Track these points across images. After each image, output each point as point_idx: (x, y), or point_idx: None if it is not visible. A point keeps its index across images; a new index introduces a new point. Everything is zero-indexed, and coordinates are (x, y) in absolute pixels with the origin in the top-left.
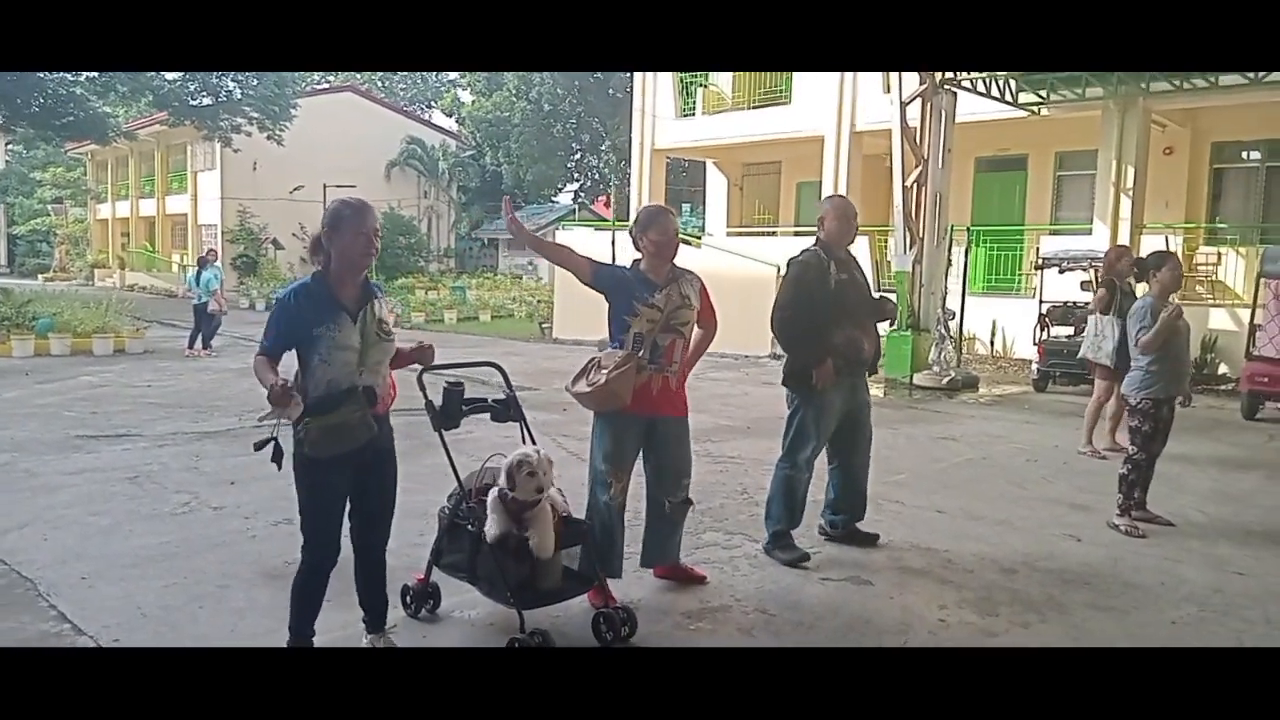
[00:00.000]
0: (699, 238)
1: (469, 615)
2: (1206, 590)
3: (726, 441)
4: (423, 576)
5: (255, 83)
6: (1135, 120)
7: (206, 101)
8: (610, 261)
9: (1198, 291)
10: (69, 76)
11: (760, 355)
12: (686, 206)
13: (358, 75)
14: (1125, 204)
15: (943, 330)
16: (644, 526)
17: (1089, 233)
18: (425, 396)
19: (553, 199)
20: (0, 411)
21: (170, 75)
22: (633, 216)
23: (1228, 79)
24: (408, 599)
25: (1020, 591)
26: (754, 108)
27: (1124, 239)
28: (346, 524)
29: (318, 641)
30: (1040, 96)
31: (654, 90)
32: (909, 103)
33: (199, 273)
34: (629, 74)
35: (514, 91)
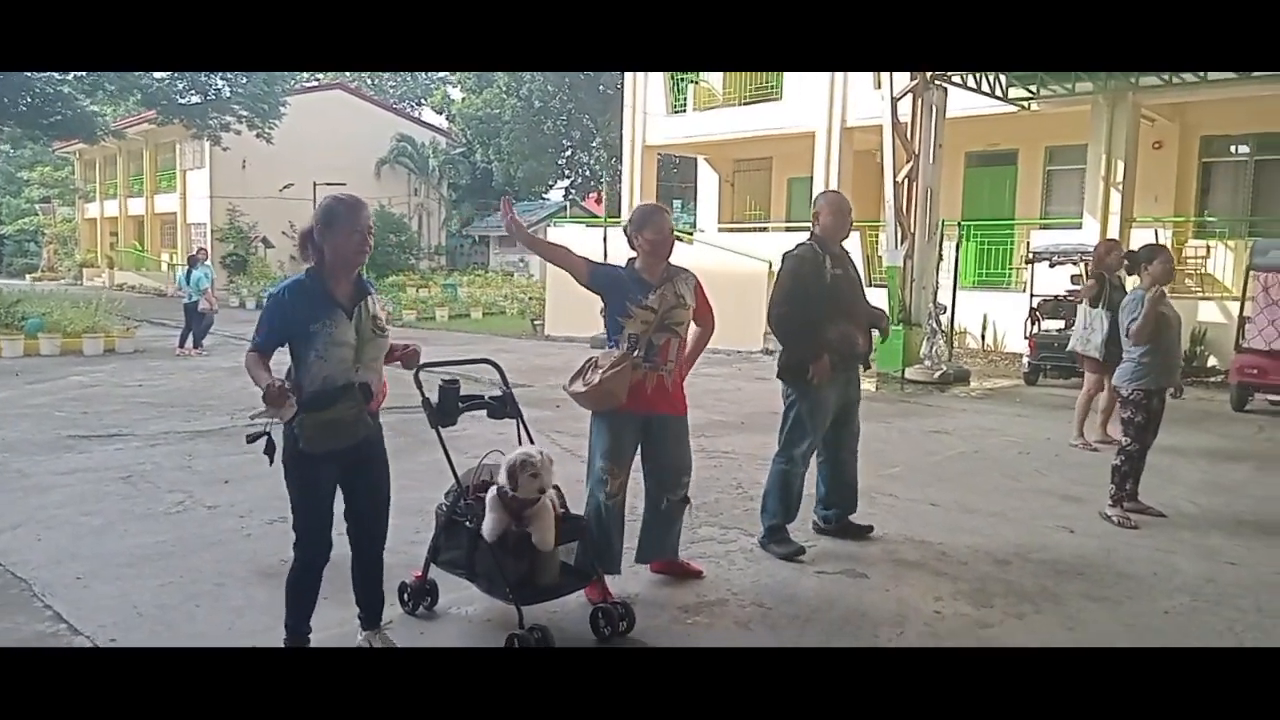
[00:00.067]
0: (690, 234)
1: (467, 611)
2: (1199, 580)
3: (721, 437)
4: (420, 573)
5: (244, 80)
6: (1124, 115)
7: (195, 99)
8: (604, 259)
9: (1187, 285)
10: (56, 75)
11: (753, 350)
12: (678, 203)
13: (348, 73)
14: (1115, 198)
15: (934, 324)
16: (641, 523)
17: (1079, 227)
18: (422, 394)
19: (543, 196)
20: None
21: (159, 74)
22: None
23: (1216, 74)
24: (405, 596)
25: (1014, 583)
26: (745, 104)
27: (1114, 233)
28: (343, 522)
29: (315, 638)
30: (1030, 91)
31: (645, 87)
32: (900, 98)
33: (189, 271)
34: (620, 71)
35: (504, 88)
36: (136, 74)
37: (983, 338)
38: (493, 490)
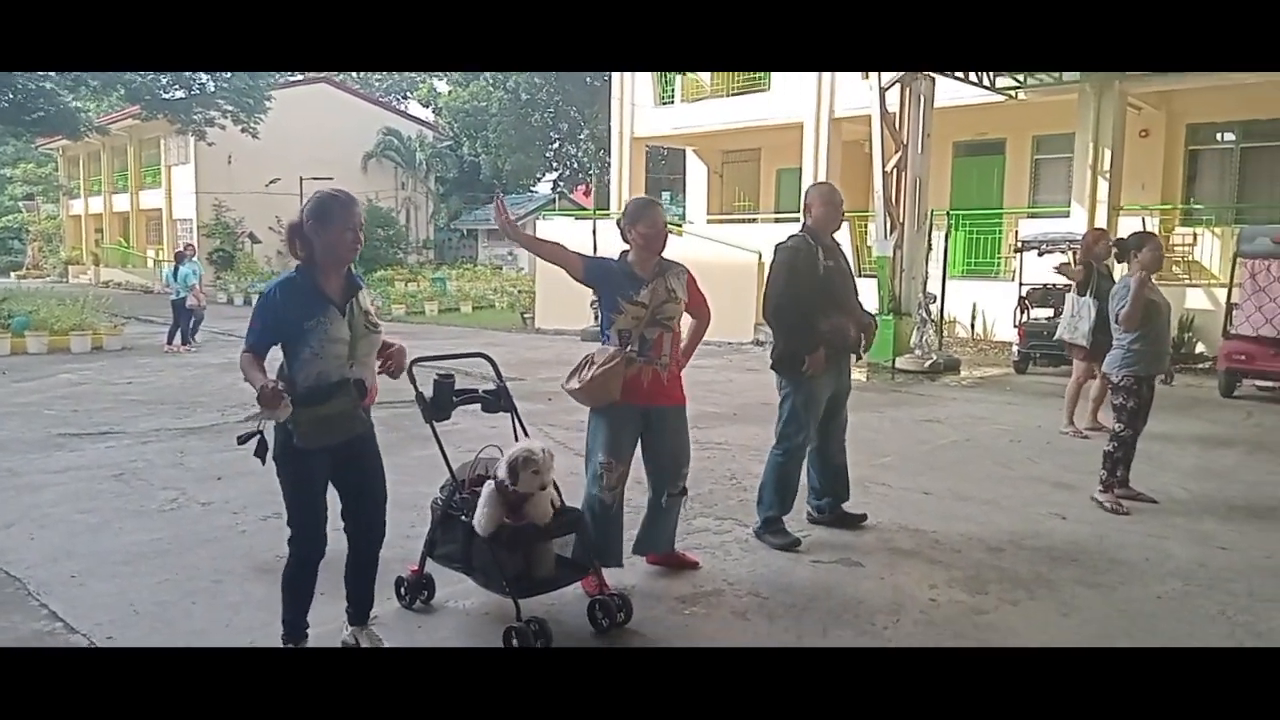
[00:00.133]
0: (679, 225)
1: (464, 605)
2: (1191, 565)
3: (714, 428)
4: (417, 568)
5: (229, 75)
6: (1111, 103)
7: (179, 94)
8: (594, 252)
9: (1174, 272)
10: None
11: (744, 342)
12: (666, 194)
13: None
14: (1102, 186)
15: (924, 314)
16: (641, 516)
17: (1067, 215)
18: (416, 388)
19: (531, 189)
20: None
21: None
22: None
23: None
24: (402, 590)
25: (1008, 570)
26: (733, 95)
27: (1101, 221)
28: (340, 520)
29: (312, 633)
30: (1017, 81)
31: (632, 78)
32: (888, 89)
33: (176, 268)
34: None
35: (490, 81)
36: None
37: (972, 327)
38: (489, 484)
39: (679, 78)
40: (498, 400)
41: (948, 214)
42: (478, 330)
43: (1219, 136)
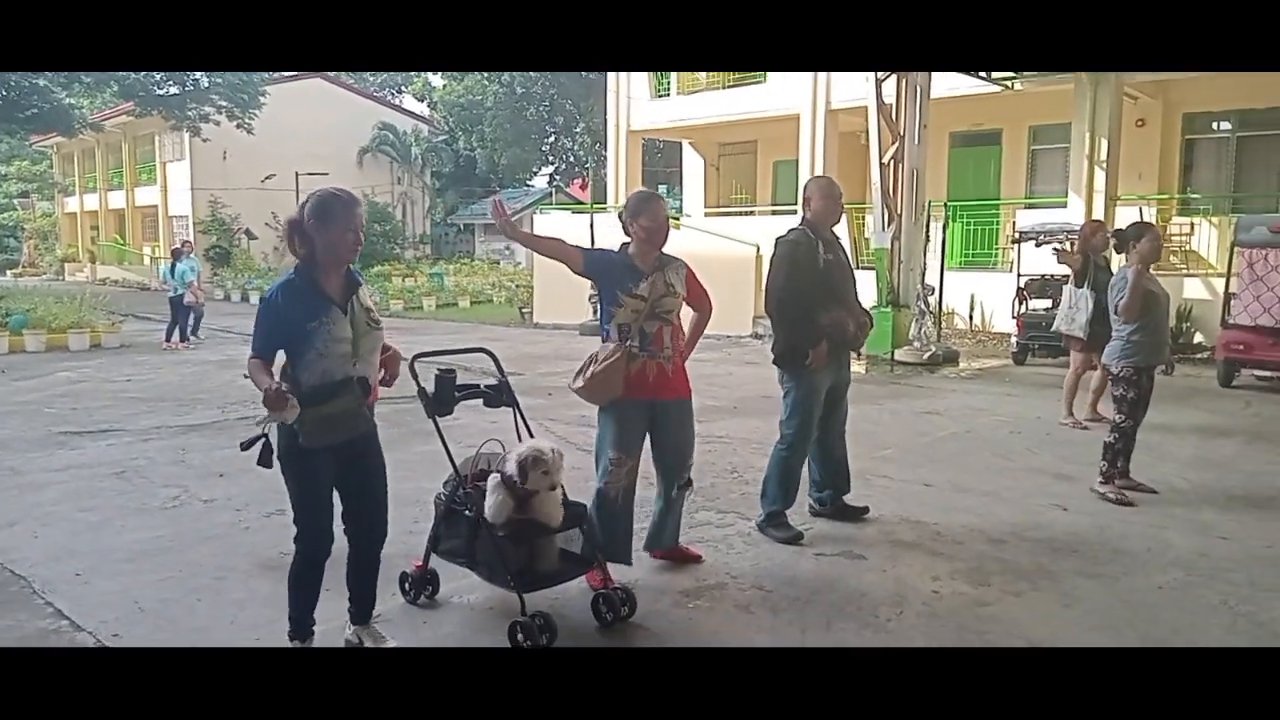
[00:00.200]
0: (677, 219)
1: (468, 600)
2: (1192, 555)
3: (714, 421)
4: (421, 563)
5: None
6: (1107, 93)
7: (173, 90)
8: (598, 248)
9: (1172, 262)
10: None
11: (742, 335)
12: (663, 187)
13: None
14: (1099, 176)
15: (922, 306)
16: (646, 513)
17: (1064, 206)
18: (418, 384)
19: (528, 183)
20: None
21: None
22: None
23: None
24: (407, 585)
25: (1010, 561)
26: (729, 87)
27: (1098, 211)
28: (343, 521)
29: (318, 630)
30: (1013, 71)
31: (629, 72)
32: (884, 80)
33: (173, 265)
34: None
35: (485, 75)
36: None
37: (970, 318)
38: (494, 476)
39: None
40: (500, 395)
41: (945, 205)
42: (476, 325)
43: (1215, 125)
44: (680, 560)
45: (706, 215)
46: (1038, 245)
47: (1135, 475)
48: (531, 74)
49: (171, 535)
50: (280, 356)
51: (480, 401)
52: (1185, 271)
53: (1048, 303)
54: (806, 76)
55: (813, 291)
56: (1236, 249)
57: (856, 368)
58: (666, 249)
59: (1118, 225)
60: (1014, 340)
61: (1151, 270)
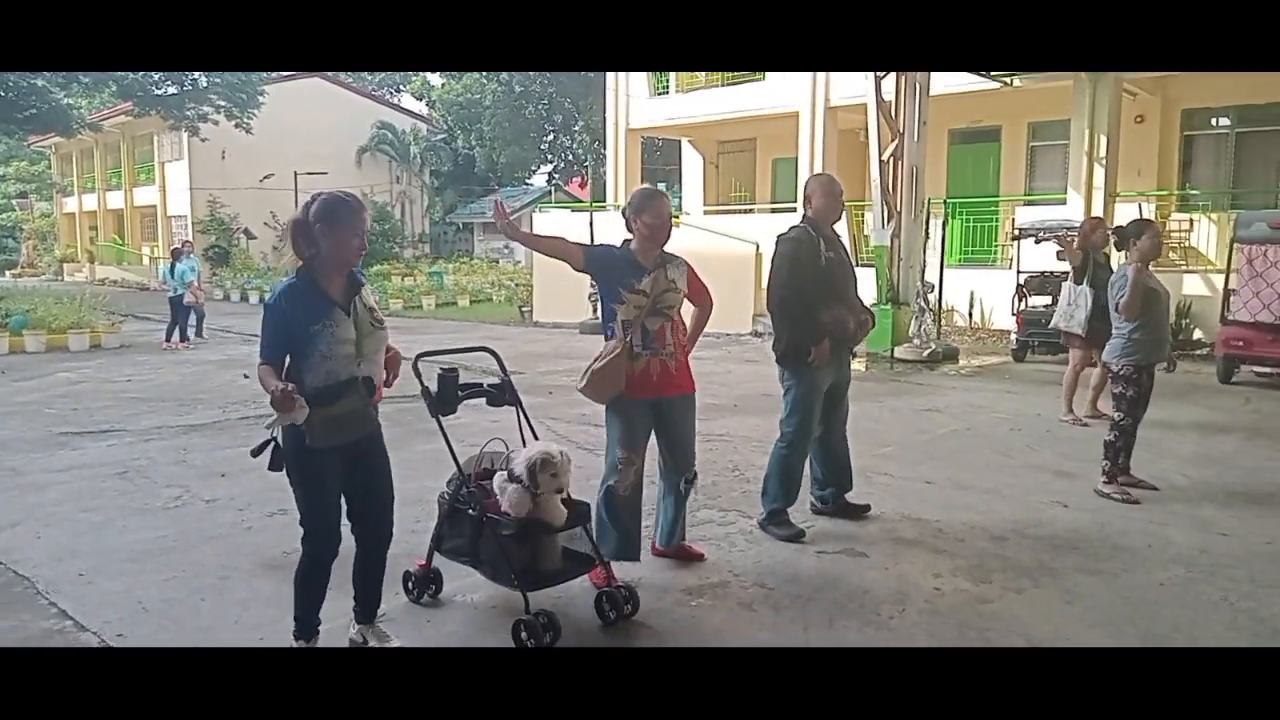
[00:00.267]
0: (677, 217)
1: (471, 599)
2: (1193, 551)
3: (715, 420)
4: (424, 562)
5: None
6: (1106, 89)
7: (171, 91)
8: (599, 244)
9: (1171, 258)
10: None
11: (742, 333)
12: (662, 185)
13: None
14: (1098, 173)
15: (922, 303)
16: (659, 509)
17: (1063, 203)
18: (421, 383)
19: (526, 181)
20: None
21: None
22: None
23: None
24: (410, 584)
25: (1012, 558)
26: (728, 85)
27: (1098, 208)
28: (349, 520)
29: (323, 629)
30: (1012, 70)
31: (628, 72)
32: (884, 77)
33: (173, 265)
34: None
35: (484, 74)
36: None
37: (970, 315)
38: (501, 475)
39: None
40: (502, 394)
41: (944, 202)
42: (476, 324)
43: (1214, 121)
44: (683, 558)
45: (706, 213)
46: (1037, 242)
47: (1135, 472)
48: (530, 73)
49: (174, 535)
50: (288, 359)
51: (482, 400)
52: (1185, 268)
53: (1047, 299)
54: (805, 74)
55: (814, 289)
56: (1236, 245)
57: (856, 366)
58: (666, 247)
59: (1117, 222)
60: (1013, 337)
61: (1151, 267)
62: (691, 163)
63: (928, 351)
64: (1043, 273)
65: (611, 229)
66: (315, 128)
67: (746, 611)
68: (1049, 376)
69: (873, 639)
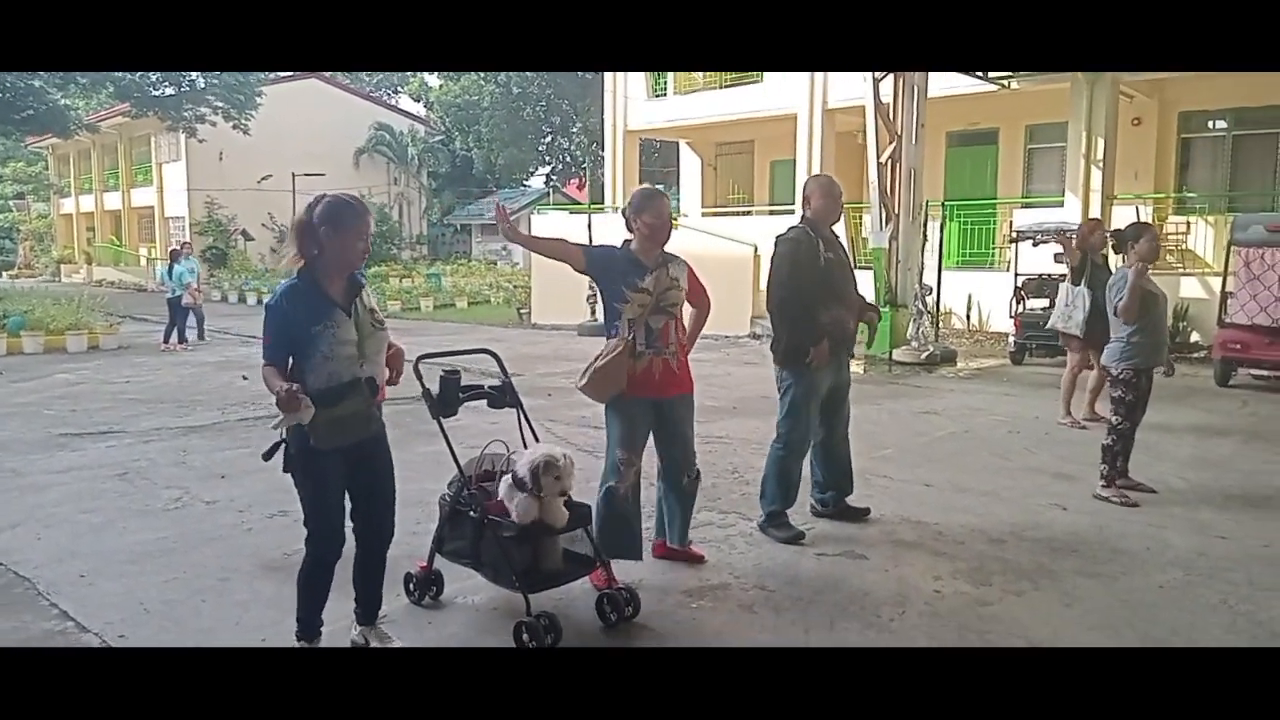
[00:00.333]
0: (675, 218)
1: (472, 600)
2: (1191, 554)
3: (714, 422)
4: (425, 564)
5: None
6: (1104, 92)
7: (169, 91)
8: (599, 245)
9: (1168, 261)
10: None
11: (740, 335)
12: (660, 187)
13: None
14: (1096, 175)
15: (920, 305)
16: (663, 508)
17: (1061, 205)
18: (423, 385)
19: (524, 183)
20: None
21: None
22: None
23: None
24: (411, 586)
25: (1011, 561)
26: (726, 87)
27: (1095, 210)
28: (351, 520)
29: (325, 630)
30: (1010, 71)
31: (626, 72)
32: (881, 80)
33: (171, 266)
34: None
35: (482, 75)
36: None
37: (968, 318)
38: (507, 479)
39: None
40: (503, 396)
41: (942, 205)
42: (474, 326)
43: (1211, 124)
44: (683, 560)
45: (704, 215)
46: (1035, 245)
47: (1133, 474)
48: (528, 74)
49: (174, 537)
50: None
51: (482, 402)
52: (1182, 271)
53: (1045, 302)
54: (803, 76)
55: (814, 290)
56: (1233, 248)
57: (855, 368)
58: (666, 248)
59: (1114, 225)
60: (1011, 340)
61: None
62: (689, 165)
63: (926, 354)
64: (1040, 275)
65: (610, 230)
66: (313, 129)
67: (747, 613)
68: (1047, 379)
69: (873, 641)
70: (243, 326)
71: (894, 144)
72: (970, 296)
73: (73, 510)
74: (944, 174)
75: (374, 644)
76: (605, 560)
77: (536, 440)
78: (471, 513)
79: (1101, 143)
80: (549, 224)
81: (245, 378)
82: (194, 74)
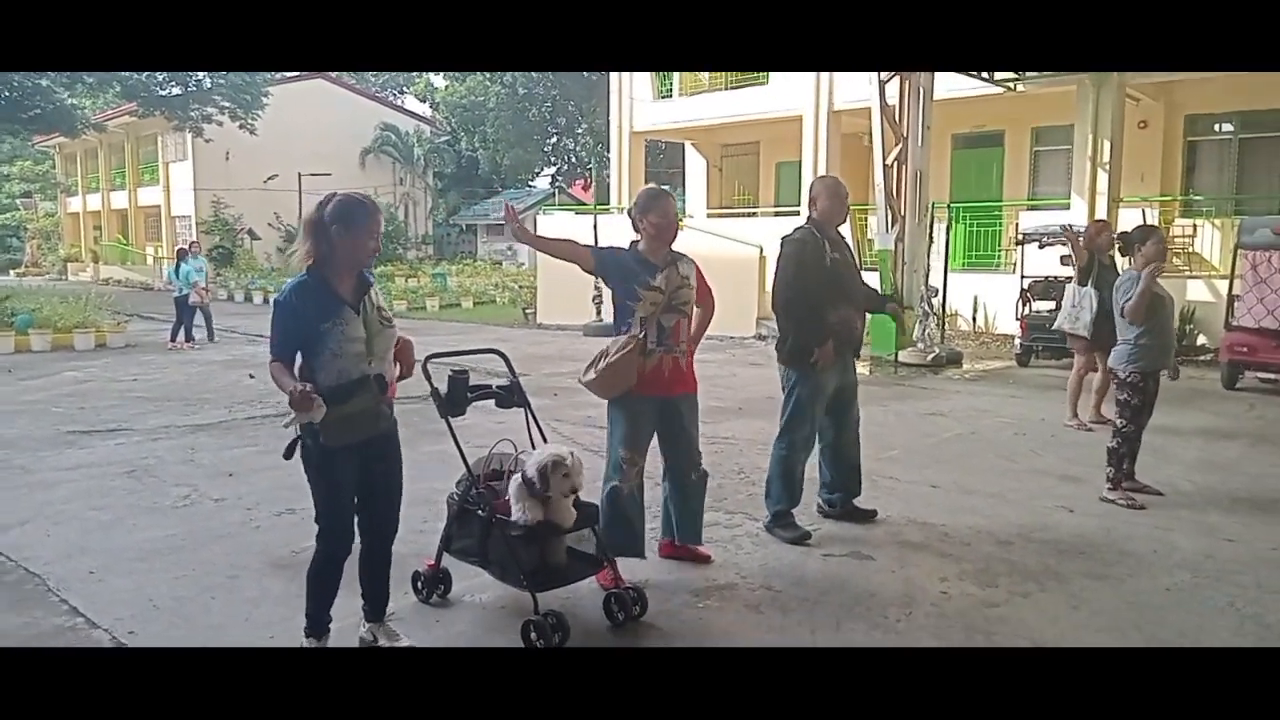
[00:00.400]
0: (680, 220)
1: (480, 599)
2: (1198, 557)
3: (720, 422)
4: (433, 562)
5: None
6: (1110, 94)
7: (176, 91)
8: (606, 245)
9: (1175, 264)
10: None
11: (745, 336)
12: (665, 188)
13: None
14: (1102, 178)
15: (926, 307)
16: (670, 506)
17: (1066, 208)
18: (431, 384)
19: (530, 184)
20: None
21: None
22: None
23: None
24: (419, 584)
25: (1018, 562)
26: (732, 88)
27: (1101, 213)
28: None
29: (333, 627)
30: (1016, 73)
31: (630, 72)
32: (887, 82)
33: (178, 265)
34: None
35: (488, 76)
36: None
37: (974, 320)
38: (517, 479)
39: (677, 71)
40: (511, 396)
41: (948, 207)
42: (480, 326)
43: (1217, 127)
44: (690, 560)
45: (709, 216)
46: (1041, 247)
47: (1140, 477)
48: (534, 75)
49: (183, 534)
50: (299, 357)
51: (488, 402)
52: (1188, 274)
53: (1051, 304)
54: (809, 77)
55: (819, 290)
56: (1240, 251)
57: (860, 369)
58: (679, 250)
59: (1120, 228)
60: (1017, 342)
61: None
62: (695, 166)
63: (931, 356)
64: (1047, 278)
65: (616, 231)
66: (319, 129)
67: (754, 614)
68: (1053, 381)
69: (879, 642)
70: (249, 325)
71: (900, 146)
72: (976, 298)
73: (82, 507)
74: (950, 176)
75: (382, 641)
76: (612, 560)
77: (545, 440)
78: (480, 511)
79: (1107, 145)
80: (554, 224)
81: (252, 376)
82: (200, 74)
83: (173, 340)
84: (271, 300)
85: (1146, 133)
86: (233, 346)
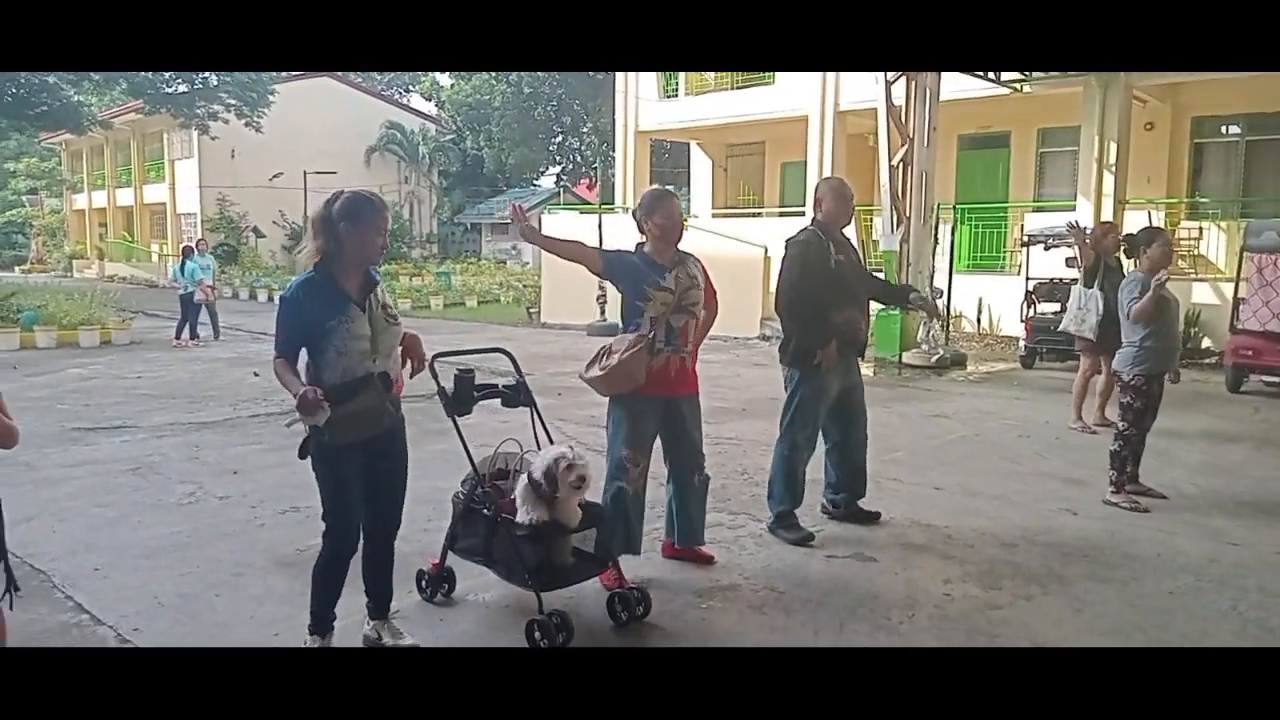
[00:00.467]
0: (685, 219)
1: (484, 598)
2: (1202, 560)
3: (724, 423)
4: (437, 561)
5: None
6: (1116, 96)
7: (182, 89)
8: (613, 248)
9: (1180, 266)
10: None
11: (750, 337)
12: (671, 188)
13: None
14: (1108, 180)
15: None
16: (673, 507)
17: (1072, 209)
18: (438, 383)
19: (535, 183)
20: None
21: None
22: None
23: None
24: (423, 583)
25: (1021, 565)
26: (737, 88)
27: (1107, 215)
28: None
29: (338, 625)
30: (1022, 73)
31: (636, 72)
32: (893, 82)
33: (184, 262)
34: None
35: (493, 75)
36: None
37: (978, 321)
38: (523, 480)
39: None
40: (517, 395)
41: (953, 208)
42: (484, 325)
43: (1224, 129)
44: (693, 560)
45: (714, 216)
46: (1046, 249)
47: (1144, 480)
48: (539, 74)
49: (188, 531)
50: (303, 356)
51: (493, 401)
52: (1194, 276)
53: (1056, 306)
54: (815, 78)
55: (824, 291)
56: (1245, 254)
57: (864, 370)
58: (685, 250)
59: (1126, 229)
60: (1022, 344)
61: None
62: (700, 166)
63: (936, 357)
64: (1052, 280)
65: (620, 231)
66: (324, 127)
67: (757, 614)
68: (1058, 383)
69: (882, 643)
70: (254, 323)
71: (906, 147)
72: (981, 300)
73: (87, 504)
74: (955, 177)
75: (386, 639)
76: (616, 560)
77: (550, 440)
78: (485, 511)
79: (1114, 147)
80: (559, 224)
81: (256, 374)
82: (207, 71)
83: (178, 338)
84: (276, 297)
85: (1153, 134)
86: (237, 344)
